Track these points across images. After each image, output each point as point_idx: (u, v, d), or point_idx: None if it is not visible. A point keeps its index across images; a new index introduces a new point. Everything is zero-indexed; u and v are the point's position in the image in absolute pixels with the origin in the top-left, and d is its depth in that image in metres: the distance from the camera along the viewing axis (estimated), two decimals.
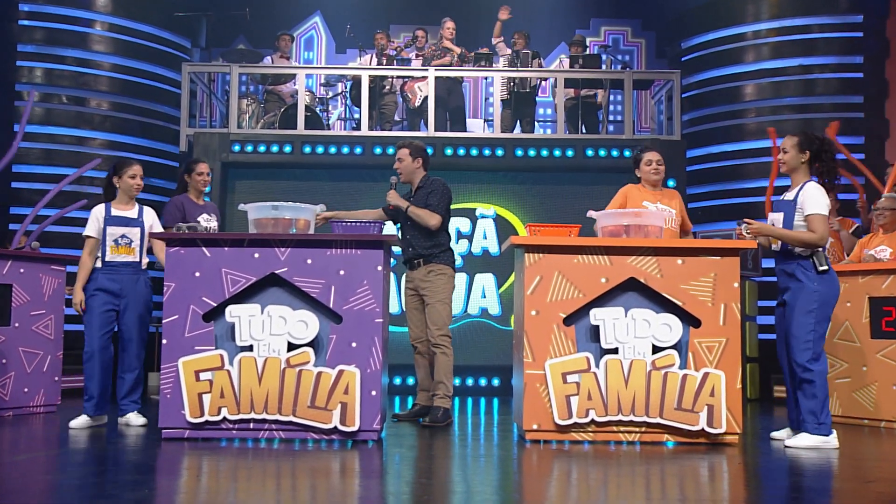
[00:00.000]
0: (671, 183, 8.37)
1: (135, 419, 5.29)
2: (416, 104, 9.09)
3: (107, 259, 5.30)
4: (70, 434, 4.91)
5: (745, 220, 4.83)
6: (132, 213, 5.40)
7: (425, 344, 5.67)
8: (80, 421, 5.20)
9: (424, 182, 5.75)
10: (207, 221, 5.70)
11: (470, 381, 8.22)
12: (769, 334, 8.34)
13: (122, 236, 5.29)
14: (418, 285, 5.65)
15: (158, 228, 5.47)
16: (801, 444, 4.55)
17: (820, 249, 4.62)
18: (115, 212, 5.36)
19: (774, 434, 4.93)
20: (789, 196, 4.75)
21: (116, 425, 5.28)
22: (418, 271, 5.65)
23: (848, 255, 6.46)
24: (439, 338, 5.55)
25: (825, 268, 4.59)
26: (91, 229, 5.35)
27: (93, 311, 5.27)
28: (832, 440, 4.56)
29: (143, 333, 5.41)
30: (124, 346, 5.36)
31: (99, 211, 5.36)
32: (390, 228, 6.10)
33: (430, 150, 6.15)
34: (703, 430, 4.54)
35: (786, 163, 4.77)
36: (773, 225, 4.76)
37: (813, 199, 4.62)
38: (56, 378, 6.18)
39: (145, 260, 5.43)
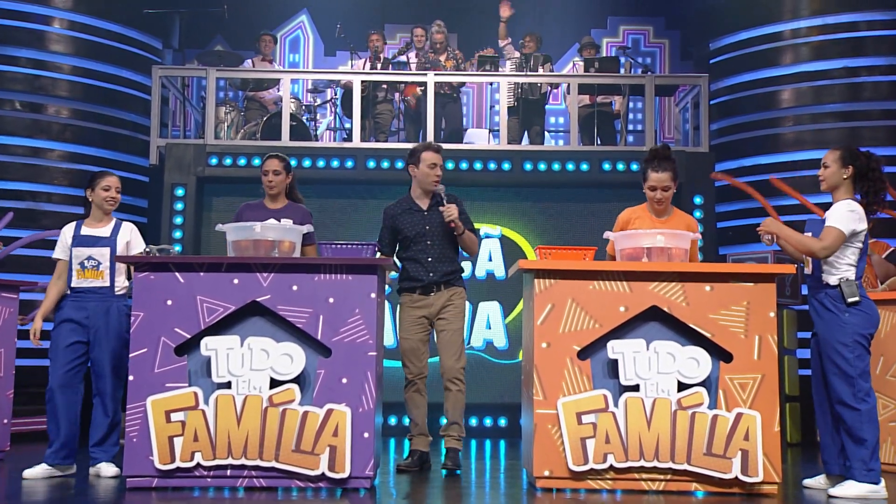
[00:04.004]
0: (697, 199, 8.45)
1: (106, 469, 5.16)
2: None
3: (73, 285, 5.25)
4: (23, 485, 4.85)
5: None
6: (104, 230, 5.32)
7: (425, 381, 5.59)
8: (37, 470, 5.08)
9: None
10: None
11: (474, 422, 8.24)
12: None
13: (89, 258, 5.23)
14: (435, 312, 5.54)
15: (139, 248, 5.25)
16: (849, 493, 4.57)
17: (851, 278, 4.70)
18: (85, 230, 5.32)
19: (808, 482, 4.95)
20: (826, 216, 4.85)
21: (86, 476, 5.16)
22: (436, 297, 5.53)
23: (882, 282, 6.50)
24: (458, 371, 5.49)
25: (855, 299, 4.67)
26: (58, 251, 5.33)
27: (57, 344, 5.22)
28: (881, 489, 4.59)
29: (120, 371, 5.20)
30: (97, 388, 5.24)
31: (68, 230, 5.34)
32: None
33: None
34: (736, 478, 4.55)
35: (825, 179, 4.87)
36: None
37: (838, 213, 4.72)
38: (6, 420, 6.12)
39: (121, 284, 5.30)
